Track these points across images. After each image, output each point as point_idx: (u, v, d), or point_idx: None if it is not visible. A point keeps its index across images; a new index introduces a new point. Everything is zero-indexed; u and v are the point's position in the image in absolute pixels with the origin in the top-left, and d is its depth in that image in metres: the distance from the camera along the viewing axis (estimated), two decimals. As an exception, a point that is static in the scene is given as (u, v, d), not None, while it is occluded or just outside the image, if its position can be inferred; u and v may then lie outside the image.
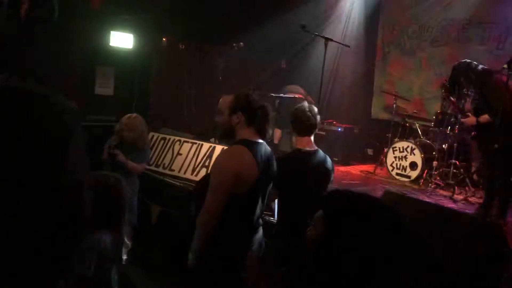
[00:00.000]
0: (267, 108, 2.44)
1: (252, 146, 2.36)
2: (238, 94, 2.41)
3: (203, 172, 4.23)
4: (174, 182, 4.35)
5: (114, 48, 5.77)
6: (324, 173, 2.91)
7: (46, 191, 0.57)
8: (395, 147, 5.98)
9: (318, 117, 2.96)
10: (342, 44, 5.18)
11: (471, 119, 4.36)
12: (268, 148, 2.49)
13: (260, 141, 2.43)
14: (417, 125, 6.28)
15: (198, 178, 4.01)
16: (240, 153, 2.32)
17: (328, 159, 3.00)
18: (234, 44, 4.99)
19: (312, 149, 2.92)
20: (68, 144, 0.59)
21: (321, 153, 2.96)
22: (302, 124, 2.87)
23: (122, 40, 5.75)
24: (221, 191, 2.28)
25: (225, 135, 2.45)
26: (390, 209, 1.22)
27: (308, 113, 2.88)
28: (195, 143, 4.56)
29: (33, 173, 0.56)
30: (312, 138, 2.92)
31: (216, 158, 2.50)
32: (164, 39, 6.25)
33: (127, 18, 5.33)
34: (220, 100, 2.44)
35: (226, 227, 2.34)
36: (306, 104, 2.98)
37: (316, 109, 2.95)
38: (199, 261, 2.41)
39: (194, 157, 4.46)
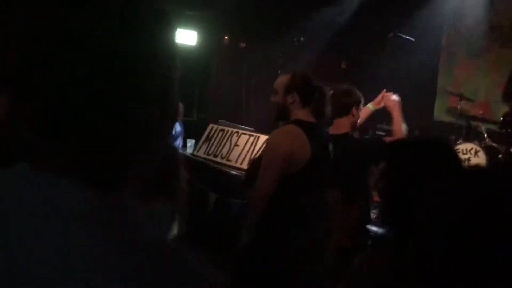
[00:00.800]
0: (324, 89, 2.45)
1: (306, 126, 2.36)
2: (294, 73, 2.43)
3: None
4: (231, 172, 4.45)
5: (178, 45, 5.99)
6: (346, 158, 2.70)
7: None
8: (458, 149, 5.75)
9: (358, 99, 2.84)
10: (407, 37, 5.07)
11: None
12: (324, 130, 2.50)
13: (316, 122, 2.44)
14: (482, 127, 6.01)
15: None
16: (293, 132, 2.34)
17: (363, 147, 2.88)
18: (295, 39, 5.03)
19: (339, 132, 2.78)
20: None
21: (351, 138, 2.81)
22: (335, 103, 2.78)
23: (185, 37, 5.96)
24: (273, 169, 2.31)
25: (280, 116, 2.47)
26: (451, 147, 1.24)
27: (340, 95, 2.79)
28: (252, 135, 4.64)
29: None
30: (345, 121, 2.79)
31: (269, 137, 2.53)
32: (226, 37, 6.41)
33: (191, 14, 5.52)
34: (277, 79, 2.48)
35: (278, 207, 2.37)
36: (344, 87, 2.89)
37: (354, 91, 2.84)
38: (251, 239, 2.46)
39: (251, 148, 4.54)
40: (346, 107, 2.78)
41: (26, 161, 0.57)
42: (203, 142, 4.98)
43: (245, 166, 4.50)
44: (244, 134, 4.73)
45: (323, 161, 2.46)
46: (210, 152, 4.81)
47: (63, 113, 0.55)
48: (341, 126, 2.79)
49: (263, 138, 4.56)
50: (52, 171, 0.55)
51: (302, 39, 4.97)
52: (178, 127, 5.64)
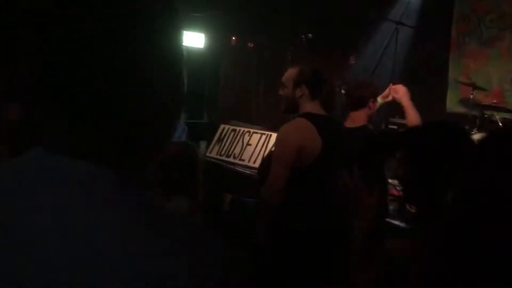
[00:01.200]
0: (332, 82, 2.45)
1: (315, 119, 2.37)
2: (302, 67, 2.44)
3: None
4: (244, 171, 4.46)
5: (186, 48, 6.02)
6: (363, 150, 2.69)
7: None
8: (473, 139, 5.69)
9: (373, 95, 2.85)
10: (409, 26, 5.03)
11: None
12: (336, 122, 2.49)
13: (325, 114, 2.44)
14: (497, 116, 5.92)
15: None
16: (302, 126, 2.34)
17: (379, 138, 2.88)
18: (302, 36, 5.02)
19: (355, 125, 2.79)
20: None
21: (368, 130, 2.81)
22: (349, 97, 2.80)
23: (193, 39, 5.99)
24: (283, 163, 2.31)
25: (289, 109, 2.48)
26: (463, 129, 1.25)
27: (357, 86, 2.81)
28: (264, 133, 4.64)
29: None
30: (361, 113, 2.78)
31: (278, 132, 2.53)
32: (233, 37, 6.42)
33: (198, 16, 5.54)
34: (285, 73, 2.48)
35: (292, 201, 2.37)
36: (359, 80, 2.94)
37: (369, 83, 2.86)
38: (266, 237, 2.45)
39: (263, 147, 4.54)
40: (362, 99, 2.79)
41: (41, 148, 0.59)
42: (215, 143, 4.99)
43: (258, 165, 4.50)
44: (256, 133, 4.73)
45: (335, 154, 2.46)
46: (222, 153, 4.82)
47: (77, 112, 0.57)
48: (357, 118, 2.79)
49: (275, 136, 4.55)
50: (69, 156, 0.56)
51: (310, 35, 4.95)
52: (182, 128, 5.64)
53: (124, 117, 0.59)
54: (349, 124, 2.78)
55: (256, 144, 4.63)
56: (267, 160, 2.47)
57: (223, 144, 4.90)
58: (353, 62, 7.46)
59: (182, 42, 0.67)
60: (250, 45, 6.54)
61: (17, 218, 0.53)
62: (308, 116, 2.34)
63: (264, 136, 4.63)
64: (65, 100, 0.57)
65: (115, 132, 0.59)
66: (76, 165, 0.56)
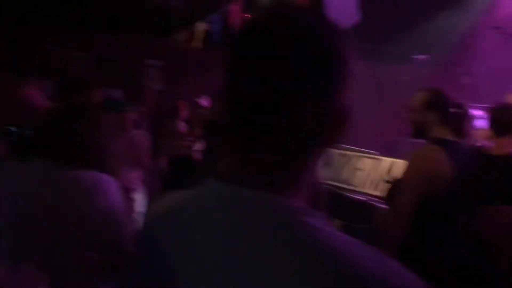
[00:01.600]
0: (465, 106, 2.32)
1: (447, 145, 2.25)
2: (433, 90, 2.34)
3: (384, 186, 4.15)
4: (355, 197, 4.35)
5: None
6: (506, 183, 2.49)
7: None
8: None
9: None
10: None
11: None
12: (470, 149, 2.34)
13: (457, 141, 2.31)
14: None
15: (379, 193, 3.95)
16: (432, 153, 2.23)
17: None
18: (414, 57, 4.85)
19: (502, 152, 2.56)
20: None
21: None
22: (494, 122, 2.58)
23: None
24: (412, 190, 2.22)
25: (418, 134, 2.38)
26: None
27: (503, 110, 2.58)
28: (375, 158, 4.51)
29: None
30: (509, 139, 2.55)
31: (410, 157, 2.43)
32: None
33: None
34: (414, 96, 2.39)
35: (420, 229, 2.25)
36: (503, 103, 2.71)
37: None
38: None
39: (374, 172, 4.41)
40: (508, 125, 2.57)
41: (216, 179, 0.67)
42: (323, 168, 4.95)
43: (369, 190, 4.36)
44: (366, 157, 4.61)
45: (469, 183, 2.30)
46: (331, 178, 4.76)
47: (252, 147, 0.64)
48: (504, 145, 2.57)
49: (387, 160, 4.40)
50: (233, 182, 0.63)
51: (422, 56, 4.78)
52: None
53: (290, 151, 0.65)
54: (495, 151, 2.58)
55: (367, 169, 4.52)
56: (394, 187, 2.38)
57: (331, 169, 4.84)
58: (465, 81, 7.06)
59: None
60: (360, 66, 6.46)
61: (209, 249, 0.61)
62: (440, 142, 2.22)
63: (374, 161, 4.50)
64: (246, 138, 0.64)
65: (282, 163, 0.64)
66: (254, 195, 0.61)
